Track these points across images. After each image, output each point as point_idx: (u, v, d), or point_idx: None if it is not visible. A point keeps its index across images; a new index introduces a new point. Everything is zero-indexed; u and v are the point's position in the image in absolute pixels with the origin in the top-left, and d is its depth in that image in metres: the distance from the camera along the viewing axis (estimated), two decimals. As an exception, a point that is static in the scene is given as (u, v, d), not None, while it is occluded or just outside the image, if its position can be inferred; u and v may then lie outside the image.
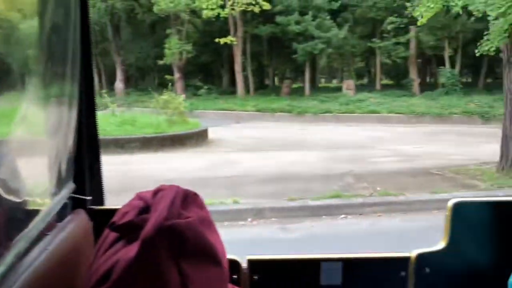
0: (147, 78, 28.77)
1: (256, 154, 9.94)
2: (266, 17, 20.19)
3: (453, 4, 6.73)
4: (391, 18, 20.30)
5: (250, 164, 8.68)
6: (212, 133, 11.97)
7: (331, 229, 5.50)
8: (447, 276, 1.49)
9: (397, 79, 25.44)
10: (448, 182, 7.10)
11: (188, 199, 0.78)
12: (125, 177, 7.42)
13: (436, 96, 18.60)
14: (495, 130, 13.32)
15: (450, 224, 1.47)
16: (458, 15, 12.10)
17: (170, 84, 14.75)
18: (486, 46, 7.56)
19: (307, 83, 21.56)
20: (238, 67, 20.46)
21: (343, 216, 5.82)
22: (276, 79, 27.93)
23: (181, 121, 11.29)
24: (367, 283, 1.48)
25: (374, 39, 21.53)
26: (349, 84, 20.38)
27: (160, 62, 22.02)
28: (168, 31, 21.50)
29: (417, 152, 10.00)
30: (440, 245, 1.48)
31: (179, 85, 21.30)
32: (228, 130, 14.19)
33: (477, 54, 8.38)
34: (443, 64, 20.23)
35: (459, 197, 1.52)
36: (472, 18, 13.06)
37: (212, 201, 5.99)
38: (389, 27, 20.54)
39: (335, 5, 20.45)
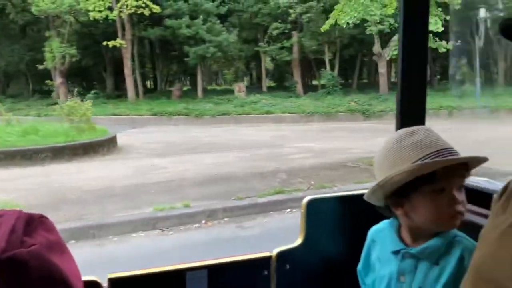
0: (16, 83, 26.39)
1: (173, 158, 9.90)
2: (155, 20, 19.92)
3: (372, 14, 7.58)
4: (275, 24, 21.45)
5: (174, 168, 8.67)
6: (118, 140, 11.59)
7: (282, 223, 5.87)
8: (305, 271, 1.56)
9: (280, 81, 26.91)
10: (366, 172, 7.94)
11: (33, 223, 0.73)
12: (51, 189, 6.95)
13: (319, 96, 20.12)
14: (377, 125, 15.03)
15: (305, 220, 1.54)
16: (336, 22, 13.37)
17: (49, 89, 13.70)
18: (395, 51, 8.62)
19: (200, 86, 21.75)
20: (127, 71, 19.86)
21: (288, 210, 6.22)
22: (163, 83, 27.60)
23: (88, 128, 10.73)
24: (231, 286, 1.49)
25: (260, 44, 22.52)
26: (240, 87, 21.05)
27: (41, 67, 20.38)
28: (48, 33, 20.01)
29: (322, 148, 10.86)
30: (297, 241, 1.55)
31: (62, 90, 19.97)
32: (130, 136, 13.79)
33: (388, 58, 9.45)
34: (324, 67, 21.97)
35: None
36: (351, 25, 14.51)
37: (161, 207, 5.97)
38: (274, 33, 21.68)
39: (223, 10, 20.98)
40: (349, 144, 11.48)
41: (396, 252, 1.24)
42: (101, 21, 18.04)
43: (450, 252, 1.17)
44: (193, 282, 1.40)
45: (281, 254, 1.52)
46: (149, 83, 26.76)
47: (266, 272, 1.51)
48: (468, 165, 1.15)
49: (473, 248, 1.04)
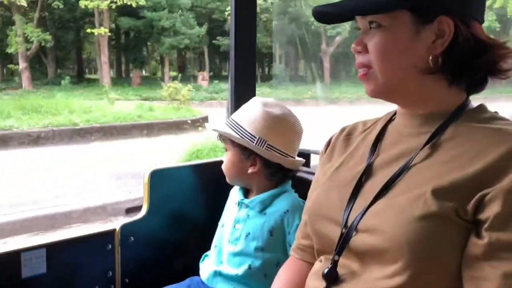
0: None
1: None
2: (130, 11, 21.28)
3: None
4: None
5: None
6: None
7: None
8: (148, 241, 1.60)
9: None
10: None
11: None
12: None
13: (275, 85, 23.38)
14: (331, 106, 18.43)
15: (149, 192, 1.56)
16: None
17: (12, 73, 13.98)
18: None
19: (167, 74, 23.55)
20: (104, 58, 20.96)
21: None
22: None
23: (186, 108, 13.14)
24: (73, 264, 1.45)
25: (218, 37, 24.99)
26: (204, 76, 23.28)
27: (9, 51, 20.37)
28: (17, 16, 20.09)
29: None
30: (141, 213, 1.58)
31: (25, 75, 20.14)
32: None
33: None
34: (274, 60, 25.21)
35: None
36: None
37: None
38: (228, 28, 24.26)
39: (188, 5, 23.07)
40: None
41: (237, 203, 1.46)
42: (67, 9, 18.81)
43: (276, 204, 1.39)
44: (30, 263, 1.32)
45: (124, 227, 1.53)
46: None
47: (110, 246, 1.51)
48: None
49: (297, 203, 1.40)
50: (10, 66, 21.25)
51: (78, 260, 1.47)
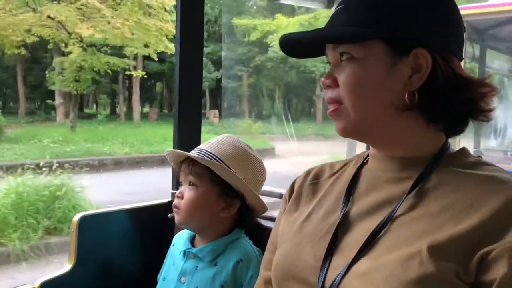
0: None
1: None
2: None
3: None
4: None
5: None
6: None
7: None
8: None
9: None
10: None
11: None
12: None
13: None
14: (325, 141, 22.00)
15: (76, 241, 1.34)
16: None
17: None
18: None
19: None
20: (136, 97, 24.17)
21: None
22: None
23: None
24: None
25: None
26: (215, 113, 26.79)
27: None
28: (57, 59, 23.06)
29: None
30: (66, 267, 1.33)
31: (60, 110, 22.73)
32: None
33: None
34: (273, 102, 29.21)
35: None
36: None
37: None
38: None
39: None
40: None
41: (183, 253, 1.26)
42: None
43: (228, 253, 1.21)
44: None
45: (45, 285, 1.25)
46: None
47: None
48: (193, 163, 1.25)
49: (252, 252, 1.22)
50: (48, 101, 23.96)
51: None
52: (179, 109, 1.60)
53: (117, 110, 24.83)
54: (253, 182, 1.27)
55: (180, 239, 1.34)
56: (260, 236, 1.21)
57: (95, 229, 1.41)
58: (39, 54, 24.22)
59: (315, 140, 22.41)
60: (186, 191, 1.25)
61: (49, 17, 13.73)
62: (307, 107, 33.34)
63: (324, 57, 0.86)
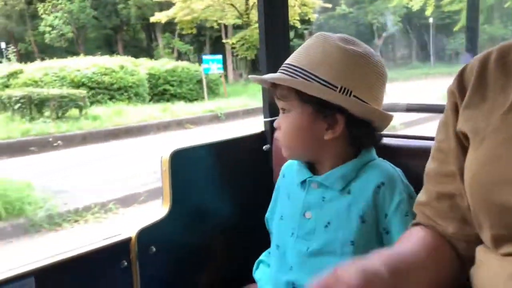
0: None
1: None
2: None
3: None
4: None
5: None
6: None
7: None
8: (175, 251, 1.22)
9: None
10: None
11: None
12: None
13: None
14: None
15: (170, 181, 1.18)
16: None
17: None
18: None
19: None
20: (229, 61, 29.21)
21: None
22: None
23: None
24: None
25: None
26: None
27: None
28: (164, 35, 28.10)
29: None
30: (162, 212, 1.18)
31: None
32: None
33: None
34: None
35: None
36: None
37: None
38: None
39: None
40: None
41: (303, 183, 1.05)
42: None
43: (364, 178, 0.99)
44: None
45: (143, 234, 1.13)
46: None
47: (125, 263, 1.11)
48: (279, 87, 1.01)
49: (394, 173, 0.98)
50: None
51: (82, 286, 1.05)
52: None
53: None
54: (362, 88, 0.97)
55: (292, 168, 1.11)
56: (389, 157, 1.01)
57: (187, 166, 1.22)
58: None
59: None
60: (282, 120, 1.03)
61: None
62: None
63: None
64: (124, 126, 9.72)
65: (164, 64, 14.46)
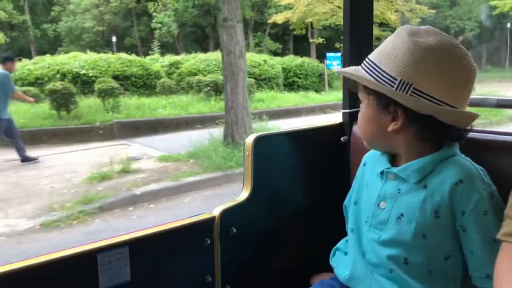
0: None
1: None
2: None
3: None
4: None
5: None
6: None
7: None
8: (254, 233, 1.28)
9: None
10: None
11: None
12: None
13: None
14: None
15: (252, 165, 1.23)
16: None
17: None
18: None
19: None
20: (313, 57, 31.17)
21: None
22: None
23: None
24: (162, 266, 1.12)
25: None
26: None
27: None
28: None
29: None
30: (243, 195, 1.24)
31: None
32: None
33: None
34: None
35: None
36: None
37: None
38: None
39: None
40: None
41: (381, 173, 1.06)
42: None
43: (442, 173, 0.97)
44: (109, 266, 1.01)
45: (225, 214, 1.20)
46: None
47: (208, 241, 1.19)
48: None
49: (475, 171, 0.95)
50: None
51: (169, 260, 1.13)
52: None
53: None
54: (427, 81, 0.92)
55: (374, 158, 1.11)
56: (476, 153, 0.99)
57: (268, 151, 1.26)
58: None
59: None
60: (360, 110, 1.06)
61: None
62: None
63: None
64: (284, 108, 12.29)
65: (292, 60, 17.11)
